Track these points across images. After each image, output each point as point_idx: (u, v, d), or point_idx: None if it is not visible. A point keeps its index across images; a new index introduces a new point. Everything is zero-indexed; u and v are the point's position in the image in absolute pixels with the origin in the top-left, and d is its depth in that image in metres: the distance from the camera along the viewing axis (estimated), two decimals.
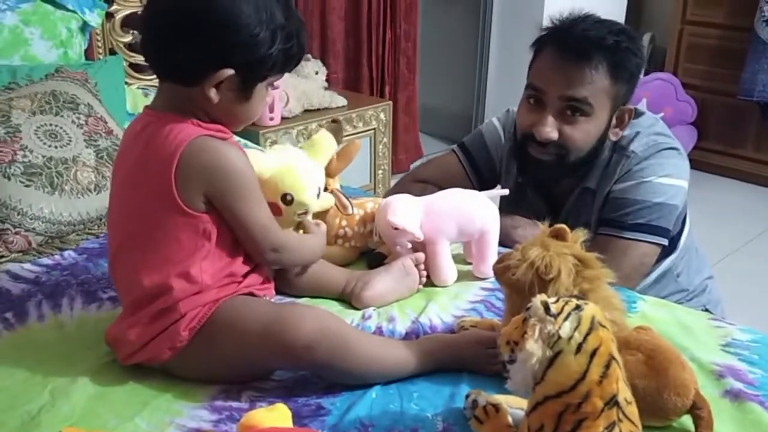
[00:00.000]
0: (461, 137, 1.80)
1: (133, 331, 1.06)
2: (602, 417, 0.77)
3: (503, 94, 3.64)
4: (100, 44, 2.32)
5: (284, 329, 1.02)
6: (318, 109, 2.71)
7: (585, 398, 0.77)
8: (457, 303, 1.31)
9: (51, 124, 1.62)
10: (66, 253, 1.48)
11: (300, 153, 1.30)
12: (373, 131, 2.89)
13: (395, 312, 1.27)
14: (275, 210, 1.22)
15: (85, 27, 2.12)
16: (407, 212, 1.33)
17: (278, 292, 1.24)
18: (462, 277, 1.39)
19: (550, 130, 1.44)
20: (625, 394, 0.80)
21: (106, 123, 1.72)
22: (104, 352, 1.13)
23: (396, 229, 1.32)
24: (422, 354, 1.09)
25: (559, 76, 1.43)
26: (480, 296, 1.34)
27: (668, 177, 1.47)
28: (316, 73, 2.78)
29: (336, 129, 1.41)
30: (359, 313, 1.26)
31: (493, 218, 1.39)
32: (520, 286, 1.01)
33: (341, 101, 2.78)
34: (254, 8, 1.01)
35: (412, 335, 1.19)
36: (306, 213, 1.27)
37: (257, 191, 1.10)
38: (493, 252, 1.38)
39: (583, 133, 1.45)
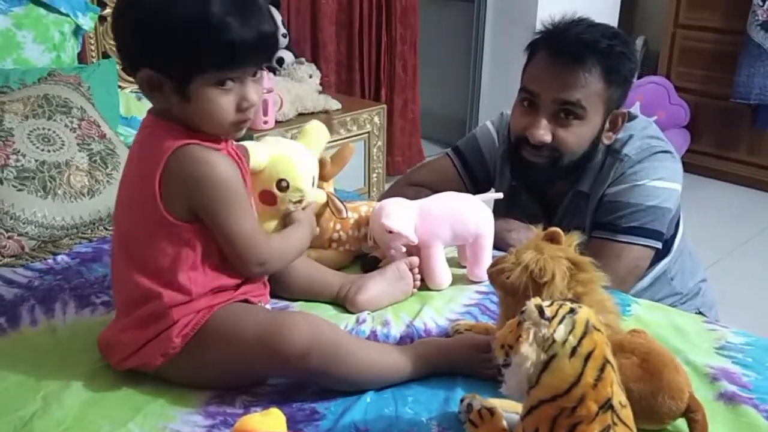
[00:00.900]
0: (456, 141, 1.80)
1: (126, 334, 1.06)
2: (597, 420, 0.77)
3: (497, 98, 3.65)
4: (93, 48, 2.32)
5: (279, 338, 1.01)
6: (312, 113, 2.71)
7: (580, 402, 0.77)
8: (451, 306, 1.31)
9: (44, 128, 1.62)
10: (59, 258, 1.48)
11: (294, 143, 1.32)
12: (367, 134, 2.89)
13: (389, 316, 1.27)
14: (269, 199, 1.23)
15: (77, 30, 2.11)
16: (402, 216, 1.33)
17: (273, 295, 1.23)
18: (456, 280, 1.39)
19: (543, 132, 1.45)
20: (619, 397, 0.80)
21: (99, 127, 1.72)
22: (97, 357, 1.12)
23: (390, 232, 1.32)
24: (417, 359, 1.09)
25: (553, 80, 1.43)
26: (474, 300, 1.34)
27: (661, 180, 1.48)
28: (310, 76, 2.78)
29: (327, 120, 1.42)
30: (353, 317, 1.26)
31: (488, 222, 1.39)
32: (515, 289, 1.01)
33: (335, 104, 2.78)
34: (170, 3, 0.96)
35: (406, 339, 1.19)
36: (301, 201, 1.27)
37: (243, 203, 1.07)
38: (487, 255, 1.38)
39: (577, 137, 1.45)
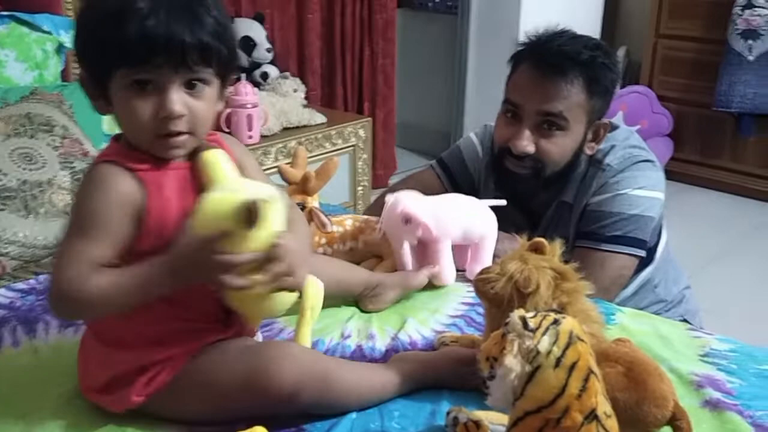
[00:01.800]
0: (440, 153, 1.81)
1: (91, 364, 1.04)
2: (582, 431, 0.77)
3: (481, 110, 3.66)
4: (76, 66, 2.30)
5: (265, 382, 0.96)
6: (297, 127, 2.71)
7: (564, 413, 0.77)
8: (437, 318, 1.31)
9: (26, 147, 1.61)
10: (41, 277, 1.46)
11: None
12: (352, 148, 2.89)
13: (374, 329, 1.26)
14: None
15: (60, 49, 2.11)
16: (421, 206, 1.34)
17: None
18: (441, 289, 1.40)
19: (526, 143, 1.46)
20: (604, 407, 0.80)
21: (81, 145, 1.71)
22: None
23: (408, 222, 1.31)
24: (403, 375, 1.07)
25: (536, 91, 1.45)
26: (460, 311, 1.34)
27: (643, 189, 1.49)
28: (295, 90, 2.78)
29: (331, 164, 1.43)
30: (338, 331, 1.25)
31: (493, 224, 1.43)
32: (500, 300, 1.01)
33: (320, 119, 2.78)
34: None
35: (392, 352, 1.18)
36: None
37: (87, 225, 0.94)
38: (489, 256, 1.42)
39: (559, 147, 1.46)
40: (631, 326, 1.29)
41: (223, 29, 0.96)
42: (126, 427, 1.01)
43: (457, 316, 1.32)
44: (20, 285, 1.43)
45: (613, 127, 1.56)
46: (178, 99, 0.93)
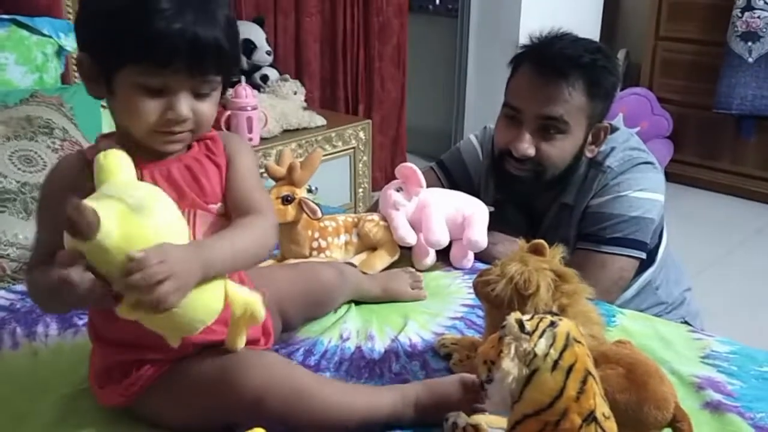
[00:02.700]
0: (441, 154, 1.81)
1: (93, 352, 1.05)
2: None
3: (482, 112, 3.66)
4: (76, 69, 2.31)
5: (229, 384, 0.94)
6: (297, 129, 2.71)
7: (563, 415, 0.77)
8: (437, 320, 1.31)
9: (26, 149, 1.61)
10: None
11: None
12: (352, 150, 2.89)
13: (374, 330, 1.26)
14: None
15: (60, 52, 2.11)
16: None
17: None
18: (442, 291, 1.39)
19: (527, 146, 1.46)
20: (603, 409, 0.79)
21: (81, 147, 1.71)
22: (79, 380, 1.11)
23: (401, 191, 1.49)
24: (401, 398, 1.00)
25: (536, 95, 1.45)
26: (460, 313, 1.34)
27: (644, 191, 1.49)
28: (295, 93, 2.78)
29: (315, 155, 1.43)
30: (337, 333, 1.25)
31: (483, 207, 1.53)
32: (500, 301, 1.01)
33: (320, 121, 2.78)
34: None
35: (391, 354, 1.19)
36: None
37: (37, 212, 1.00)
38: (483, 226, 1.48)
39: (560, 150, 1.46)
40: (632, 328, 1.28)
41: (235, 33, 0.97)
42: (128, 427, 1.01)
43: (457, 318, 1.32)
44: (20, 287, 1.43)
45: (613, 129, 1.56)
46: (186, 103, 0.93)
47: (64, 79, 2.19)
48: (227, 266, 0.92)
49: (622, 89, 3.70)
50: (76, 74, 2.30)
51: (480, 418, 0.95)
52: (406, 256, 1.50)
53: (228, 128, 2.44)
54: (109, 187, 0.85)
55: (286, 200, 1.36)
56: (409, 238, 1.47)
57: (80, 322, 1.28)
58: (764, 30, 3.33)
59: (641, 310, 1.49)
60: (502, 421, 0.88)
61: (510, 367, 0.77)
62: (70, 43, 2.11)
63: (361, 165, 2.95)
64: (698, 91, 3.64)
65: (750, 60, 3.39)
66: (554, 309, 0.99)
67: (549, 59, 1.44)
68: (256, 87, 2.69)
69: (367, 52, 3.39)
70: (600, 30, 3.84)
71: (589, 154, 1.52)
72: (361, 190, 2.99)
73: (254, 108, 2.47)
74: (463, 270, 1.50)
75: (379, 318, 1.30)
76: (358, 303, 1.36)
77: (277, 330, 1.17)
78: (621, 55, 3.93)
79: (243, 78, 2.60)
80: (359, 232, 1.48)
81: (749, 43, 3.37)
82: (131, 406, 1.01)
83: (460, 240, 1.50)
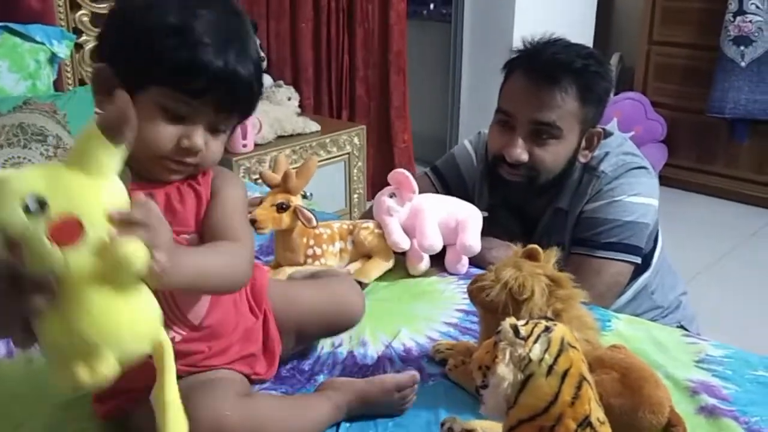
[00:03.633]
0: (435, 160, 1.81)
1: None
2: None
3: (476, 117, 3.67)
4: (69, 75, 2.31)
5: (188, 413, 0.80)
6: (291, 135, 2.71)
7: (558, 420, 0.76)
8: (431, 325, 1.31)
9: (19, 157, 1.61)
10: None
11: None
12: (347, 156, 2.89)
13: (367, 336, 1.26)
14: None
15: (53, 59, 2.11)
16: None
17: None
18: (436, 295, 1.39)
19: (520, 151, 1.46)
20: (598, 414, 0.79)
21: None
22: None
23: (394, 196, 1.49)
24: (335, 408, 1.01)
25: (529, 100, 1.45)
26: (454, 319, 1.33)
27: (638, 196, 1.49)
28: (289, 99, 2.78)
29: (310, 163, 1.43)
30: (329, 340, 1.24)
31: (476, 212, 1.54)
32: (494, 306, 1.01)
33: (314, 126, 2.78)
34: (152, 5, 0.89)
35: (384, 360, 1.18)
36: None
37: None
38: (476, 231, 1.48)
39: (553, 155, 1.46)
40: (627, 332, 1.28)
41: (262, 72, 0.97)
42: None
43: (451, 324, 1.32)
44: None
45: (607, 134, 1.56)
46: (202, 135, 0.92)
47: (57, 86, 2.18)
48: (188, 279, 0.82)
49: (615, 93, 3.71)
50: (69, 81, 2.30)
51: (475, 424, 0.95)
52: (400, 262, 1.50)
53: None
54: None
55: (281, 208, 1.36)
56: (403, 243, 1.47)
57: None
58: (756, 34, 3.35)
59: (637, 315, 1.49)
60: (498, 427, 0.88)
61: (505, 372, 0.77)
62: (62, 50, 2.11)
63: (355, 171, 2.95)
64: (692, 95, 3.66)
65: (743, 64, 3.41)
66: (549, 314, 0.99)
67: (541, 64, 1.45)
68: None
69: (351, 58, 3.37)
70: (593, 35, 3.86)
71: (582, 159, 1.52)
72: (356, 195, 2.99)
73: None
74: (457, 275, 1.50)
75: (372, 324, 1.30)
76: None
77: (288, 346, 1.14)
78: (614, 59, 3.95)
79: None
80: (354, 240, 1.48)
81: (742, 48, 3.39)
82: (124, 419, 0.99)
83: (454, 245, 1.50)
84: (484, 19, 3.63)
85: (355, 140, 2.91)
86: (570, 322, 0.95)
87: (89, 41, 2.32)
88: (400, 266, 1.50)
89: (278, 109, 2.71)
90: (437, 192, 1.71)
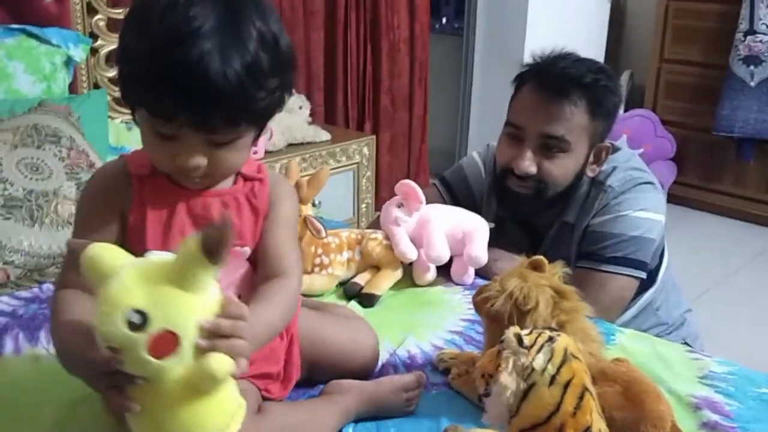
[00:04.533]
0: (444, 171, 1.82)
1: None
2: None
3: (486, 130, 3.68)
4: (84, 78, 2.33)
5: None
6: (302, 144, 2.72)
7: (559, 430, 0.77)
8: (436, 333, 1.31)
9: (32, 158, 1.62)
10: (44, 286, 1.47)
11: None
12: (356, 165, 2.91)
13: None
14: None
15: (69, 62, 2.13)
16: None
17: None
18: (442, 306, 1.39)
19: (529, 164, 1.47)
20: (599, 425, 0.80)
21: (88, 156, 1.73)
22: (80, 386, 1.10)
23: (401, 196, 1.51)
24: (342, 411, 1.02)
25: (538, 114, 1.46)
26: (459, 327, 1.34)
27: (644, 211, 1.49)
28: (300, 107, 2.80)
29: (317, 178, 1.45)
30: None
31: (482, 221, 1.55)
32: (499, 317, 1.02)
33: (325, 135, 2.80)
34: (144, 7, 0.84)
35: (389, 367, 1.19)
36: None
37: (76, 219, 0.97)
38: (483, 243, 1.50)
39: (562, 168, 1.47)
40: (631, 347, 1.29)
41: (266, 77, 0.85)
42: None
43: (456, 332, 1.32)
44: (24, 293, 1.44)
45: (615, 149, 1.57)
46: (197, 152, 0.86)
47: (72, 88, 2.21)
48: (260, 343, 0.87)
49: (625, 110, 3.72)
50: (84, 84, 2.33)
51: None
52: (406, 271, 1.51)
53: None
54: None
55: None
56: (410, 253, 1.48)
57: None
58: (766, 54, 3.35)
59: (642, 331, 1.49)
60: None
61: (508, 381, 0.78)
62: (78, 54, 2.13)
63: (364, 180, 2.96)
64: (701, 113, 3.65)
65: (752, 84, 3.41)
66: (553, 325, 0.99)
67: (551, 78, 1.46)
68: None
69: (374, 68, 3.40)
70: (605, 51, 3.86)
71: (590, 174, 1.53)
72: (364, 205, 3.00)
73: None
74: (463, 286, 1.51)
75: (378, 331, 1.30)
76: None
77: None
78: (625, 76, 3.95)
79: None
80: (362, 250, 1.48)
81: (751, 67, 3.39)
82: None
83: (461, 256, 1.51)
84: (496, 33, 3.65)
85: (365, 150, 2.92)
86: (574, 335, 0.95)
87: (105, 45, 2.34)
88: (407, 275, 1.51)
89: (289, 117, 2.72)
90: (445, 203, 1.71)
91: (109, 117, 2.19)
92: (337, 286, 1.48)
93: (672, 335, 1.68)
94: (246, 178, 0.98)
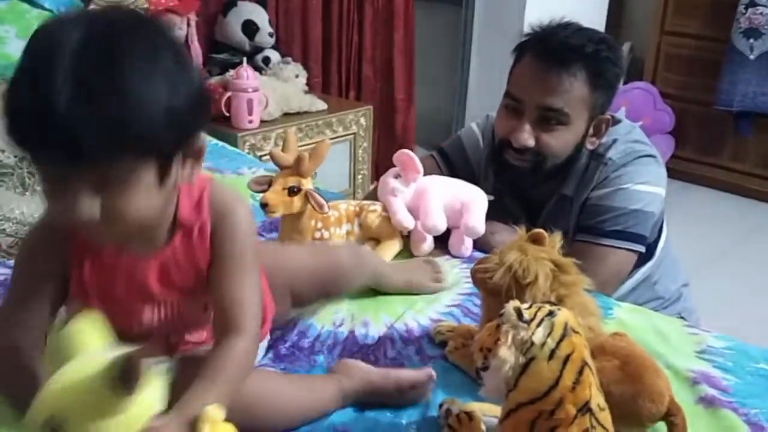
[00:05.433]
0: (441, 143, 1.80)
1: None
2: (575, 424, 0.77)
3: (484, 100, 3.65)
4: None
5: None
6: (298, 113, 2.69)
7: (558, 405, 0.76)
8: (434, 306, 1.30)
9: None
10: None
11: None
12: (353, 136, 2.88)
13: (369, 317, 1.26)
14: None
15: None
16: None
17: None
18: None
19: (527, 137, 1.45)
20: (598, 400, 0.79)
21: None
22: None
23: (398, 179, 1.50)
24: (341, 394, 1.01)
25: (538, 85, 1.43)
26: (457, 300, 1.33)
27: (645, 184, 1.48)
28: (296, 76, 2.76)
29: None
30: (330, 319, 1.24)
31: (481, 194, 1.53)
32: (497, 290, 1.01)
33: (321, 105, 2.77)
34: None
35: (386, 340, 1.18)
36: None
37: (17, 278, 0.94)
38: (481, 213, 1.49)
39: (560, 141, 1.45)
40: (629, 321, 1.28)
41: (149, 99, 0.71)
42: None
43: (453, 305, 1.31)
44: None
45: (615, 121, 1.55)
46: (84, 200, 0.72)
47: None
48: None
49: (625, 83, 3.69)
50: None
51: (474, 406, 0.95)
52: (406, 245, 1.50)
53: (228, 110, 2.43)
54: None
55: (293, 191, 1.33)
56: (407, 222, 1.46)
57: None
58: (766, 27, 3.31)
59: (639, 305, 1.48)
60: (496, 409, 0.88)
61: (507, 355, 0.77)
62: None
63: (361, 151, 2.94)
64: (700, 86, 3.63)
65: (752, 57, 3.38)
66: (552, 299, 0.98)
67: (552, 48, 1.43)
68: (257, 69, 2.67)
69: (361, 37, 3.33)
70: (605, 22, 3.82)
71: (590, 146, 1.51)
72: (360, 176, 2.98)
73: (255, 90, 2.45)
74: (461, 258, 1.50)
75: (375, 304, 1.30)
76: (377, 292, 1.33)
77: (283, 309, 1.15)
78: (625, 48, 3.91)
79: (245, 59, 2.59)
80: (361, 223, 1.47)
81: (751, 40, 3.36)
82: None
83: (459, 228, 1.49)
84: (496, 2, 3.60)
85: (362, 120, 2.89)
86: (573, 308, 0.94)
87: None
88: (406, 248, 1.50)
89: (285, 86, 2.69)
90: (442, 174, 1.70)
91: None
92: None
93: (668, 309, 1.68)
94: (185, 227, 0.86)
